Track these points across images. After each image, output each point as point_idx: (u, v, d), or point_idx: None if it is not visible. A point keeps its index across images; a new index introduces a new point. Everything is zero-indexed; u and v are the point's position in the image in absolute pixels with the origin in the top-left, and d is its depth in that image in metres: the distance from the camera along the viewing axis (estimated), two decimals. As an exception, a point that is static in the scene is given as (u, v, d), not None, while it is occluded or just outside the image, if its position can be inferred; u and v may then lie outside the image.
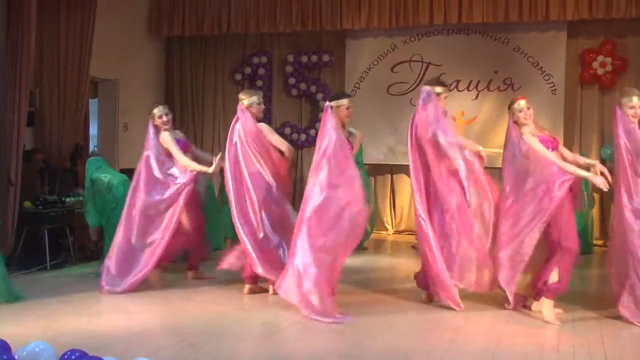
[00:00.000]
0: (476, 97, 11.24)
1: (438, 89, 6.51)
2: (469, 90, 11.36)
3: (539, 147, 6.07)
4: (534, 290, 6.32)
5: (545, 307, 6.06)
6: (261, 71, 12.37)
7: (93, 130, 11.47)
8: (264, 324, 5.93)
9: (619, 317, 6.07)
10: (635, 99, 5.96)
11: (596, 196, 10.73)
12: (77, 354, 4.08)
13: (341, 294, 6.82)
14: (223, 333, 5.62)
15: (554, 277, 6.01)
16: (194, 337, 5.43)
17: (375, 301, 6.66)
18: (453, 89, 11.30)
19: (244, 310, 6.45)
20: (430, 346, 5.32)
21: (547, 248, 6.28)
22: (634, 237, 5.85)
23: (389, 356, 5.07)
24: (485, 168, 6.50)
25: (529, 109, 6.25)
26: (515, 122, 6.29)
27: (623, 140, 5.92)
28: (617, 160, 6.00)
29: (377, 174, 11.78)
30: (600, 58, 10.78)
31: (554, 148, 6.19)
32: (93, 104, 11.30)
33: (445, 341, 5.41)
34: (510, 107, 6.35)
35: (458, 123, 10.72)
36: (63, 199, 8.65)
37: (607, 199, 10.70)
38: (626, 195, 5.89)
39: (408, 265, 8.11)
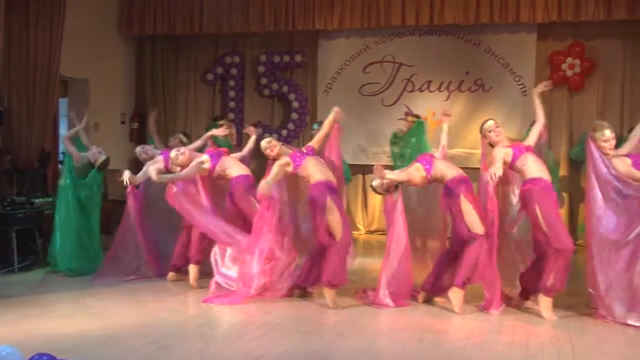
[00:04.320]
0: (447, 98, 11.31)
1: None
2: (440, 91, 11.45)
3: (498, 157, 6.25)
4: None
5: (544, 305, 6.18)
6: (233, 71, 12.36)
7: (63, 130, 11.33)
8: (234, 325, 5.92)
9: (586, 315, 6.23)
10: (607, 132, 6.18)
11: (565, 195, 10.87)
12: (45, 357, 4.05)
13: (313, 294, 6.88)
14: (194, 334, 5.61)
15: (550, 278, 6.10)
16: (164, 339, 5.40)
17: (347, 301, 6.67)
18: (424, 90, 11.42)
19: (215, 311, 6.42)
20: (401, 346, 5.35)
21: (534, 251, 6.40)
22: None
23: (360, 356, 5.08)
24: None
25: (497, 127, 6.48)
26: (490, 144, 6.48)
27: (602, 176, 6.09)
28: (591, 191, 6.16)
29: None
30: (569, 60, 10.93)
31: (527, 150, 6.33)
32: (63, 104, 11.17)
33: (415, 340, 5.45)
34: (481, 130, 6.56)
35: (429, 124, 10.77)
36: (32, 200, 8.54)
37: (576, 199, 10.84)
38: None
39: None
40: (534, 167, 6.25)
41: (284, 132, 11.89)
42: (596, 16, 10.22)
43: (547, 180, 6.24)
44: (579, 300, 6.59)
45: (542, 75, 11.02)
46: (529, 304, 6.48)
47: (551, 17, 10.43)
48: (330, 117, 7.20)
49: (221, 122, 9.47)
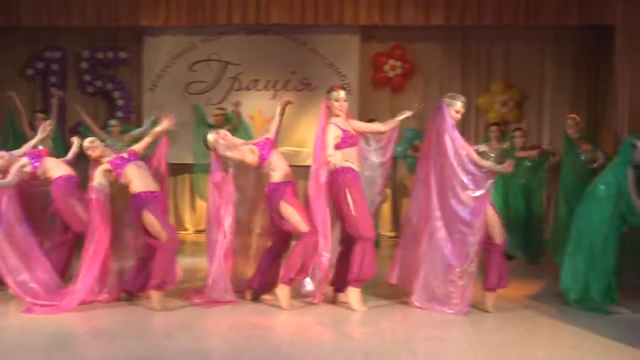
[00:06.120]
0: (274, 97, 11.41)
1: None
2: (266, 90, 11.56)
3: (328, 138, 6.29)
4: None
5: (353, 297, 6.36)
6: (55, 67, 11.81)
7: None
8: (57, 334, 5.66)
9: (405, 304, 6.53)
10: (459, 104, 6.42)
11: (388, 191, 11.31)
12: None
13: (141, 297, 6.74)
14: (12, 347, 5.31)
15: (357, 269, 6.29)
16: (-23, 350, 5.10)
17: (174, 302, 6.59)
18: (251, 88, 11.50)
19: (34, 321, 6.07)
20: (228, 344, 5.38)
21: (340, 243, 6.57)
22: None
23: (188, 357, 5.06)
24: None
25: (345, 101, 6.51)
26: (328, 108, 6.49)
27: (448, 134, 6.30)
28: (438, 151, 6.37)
29: (176, 173, 11.62)
30: (391, 62, 11.40)
31: (353, 145, 6.45)
32: None
33: (243, 338, 5.48)
34: (328, 92, 6.56)
35: (256, 122, 10.86)
36: None
37: (399, 195, 11.33)
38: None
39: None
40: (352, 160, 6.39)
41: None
42: (416, 21, 10.74)
43: (357, 171, 6.39)
44: (400, 290, 6.88)
45: (365, 76, 11.45)
46: (342, 297, 6.59)
47: (373, 20, 10.82)
48: (158, 129, 6.96)
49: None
